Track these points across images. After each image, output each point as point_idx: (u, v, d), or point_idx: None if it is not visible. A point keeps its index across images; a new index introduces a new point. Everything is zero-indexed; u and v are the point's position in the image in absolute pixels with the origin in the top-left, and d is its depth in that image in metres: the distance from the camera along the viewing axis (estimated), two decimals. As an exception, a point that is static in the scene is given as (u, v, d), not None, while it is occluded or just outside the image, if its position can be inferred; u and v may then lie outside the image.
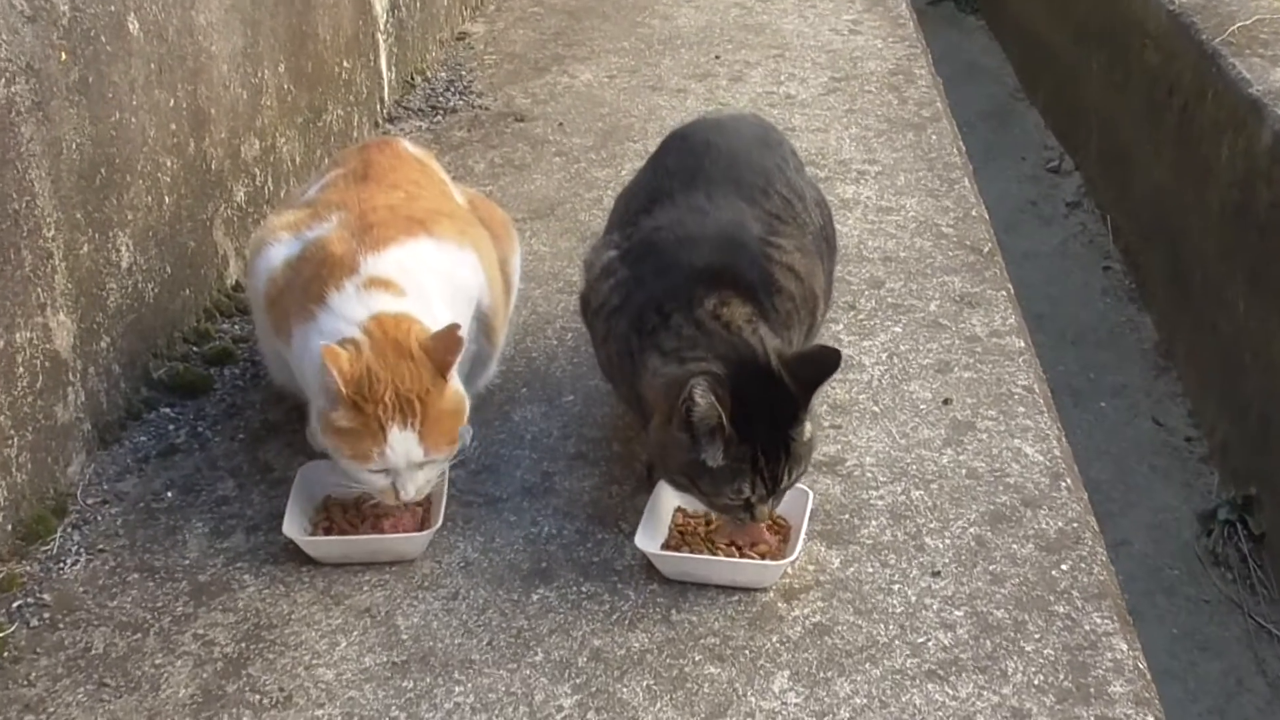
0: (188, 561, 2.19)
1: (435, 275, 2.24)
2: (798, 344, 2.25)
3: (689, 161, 2.34)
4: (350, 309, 2.12)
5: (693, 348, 2.06)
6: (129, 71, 2.52)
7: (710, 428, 1.97)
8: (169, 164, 2.68)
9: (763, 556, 2.12)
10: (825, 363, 1.99)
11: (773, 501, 2.05)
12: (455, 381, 2.10)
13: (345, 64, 3.55)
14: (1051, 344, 4.23)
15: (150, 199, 2.61)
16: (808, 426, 2.02)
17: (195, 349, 2.74)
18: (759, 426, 1.98)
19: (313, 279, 2.19)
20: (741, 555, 2.11)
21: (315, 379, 2.09)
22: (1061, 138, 5.60)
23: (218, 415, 2.57)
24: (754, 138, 2.47)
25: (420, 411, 2.04)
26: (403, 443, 2.04)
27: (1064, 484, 2.30)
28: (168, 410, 2.58)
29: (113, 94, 2.47)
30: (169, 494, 2.35)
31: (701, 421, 1.96)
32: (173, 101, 2.68)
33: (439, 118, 3.86)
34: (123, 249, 2.52)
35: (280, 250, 2.30)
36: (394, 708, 1.91)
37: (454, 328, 2.05)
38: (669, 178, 2.33)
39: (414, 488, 2.09)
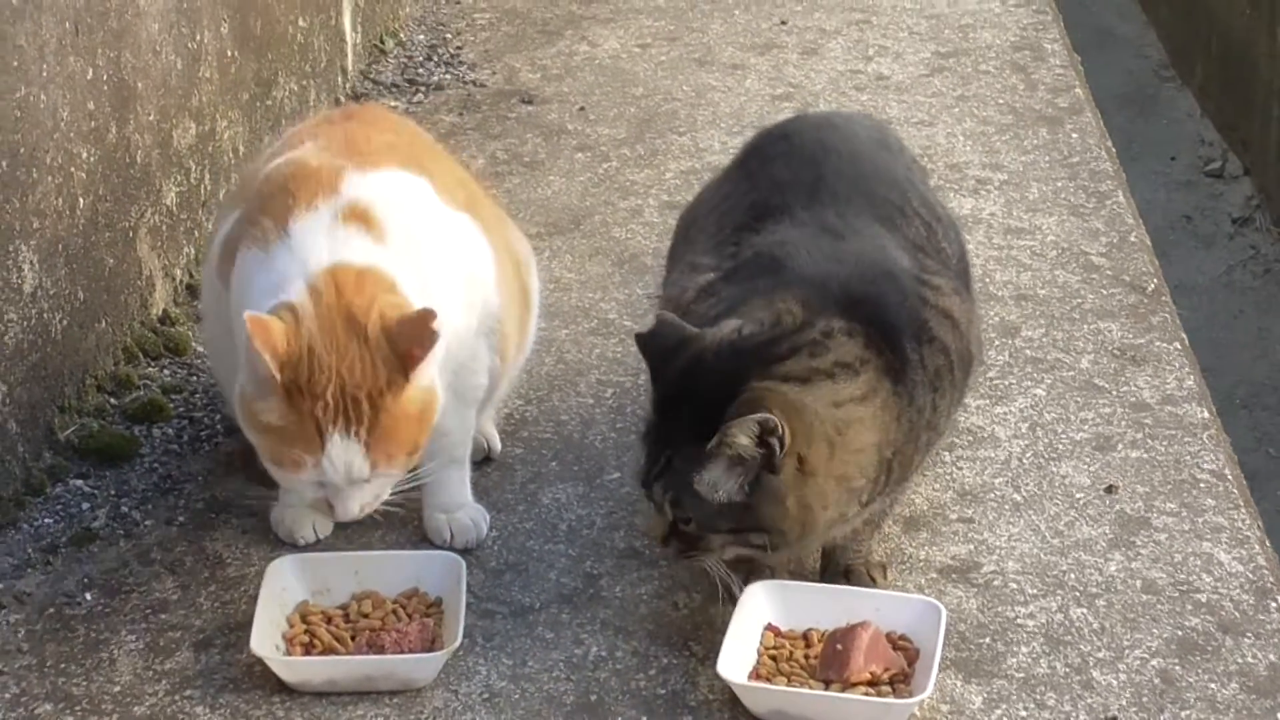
0: (117, 688, 2.23)
1: (432, 228, 2.29)
2: (946, 413, 2.31)
3: (802, 170, 2.42)
4: (313, 245, 2.16)
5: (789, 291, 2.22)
6: (39, 32, 2.59)
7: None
8: (84, 155, 2.74)
9: (877, 689, 2.17)
10: (748, 407, 2.09)
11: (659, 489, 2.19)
12: (426, 377, 2.14)
13: (301, 22, 3.63)
14: (1216, 408, 4.29)
15: (60, 201, 2.68)
16: (712, 475, 2.12)
17: (113, 401, 2.80)
18: (675, 410, 2.16)
19: (276, 194, 2.23)
20: (851, 688, 2.17)
21: (244, 333, 2.10)
22: (1225, 130, 5.67)
23: (147, 490, 2.62)
24: (872, 140, 2.55)
25: (370, 417, 2.08)
26: (344, 453, 2.10)
27: (1273, 604, 2.36)
28: (79, 483, 2.63)
29: (17, 61, 2.53)
30: (86, 595, 2.40)
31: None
32: (91, 72, 2.75)
33: (419, 95, 3.93)
34: (25, 267, 2.58)
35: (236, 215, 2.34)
36: None
37: (428, 314, 2.09)
38: (779, 190, 2.41)
39: (356, 506, 2.16)
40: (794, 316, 2.19)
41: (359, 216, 2.19)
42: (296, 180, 2.24)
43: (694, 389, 2.14)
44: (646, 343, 2.21)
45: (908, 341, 2.22)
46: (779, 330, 2.17)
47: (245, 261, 2.22)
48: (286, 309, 2.11)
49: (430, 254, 2.27)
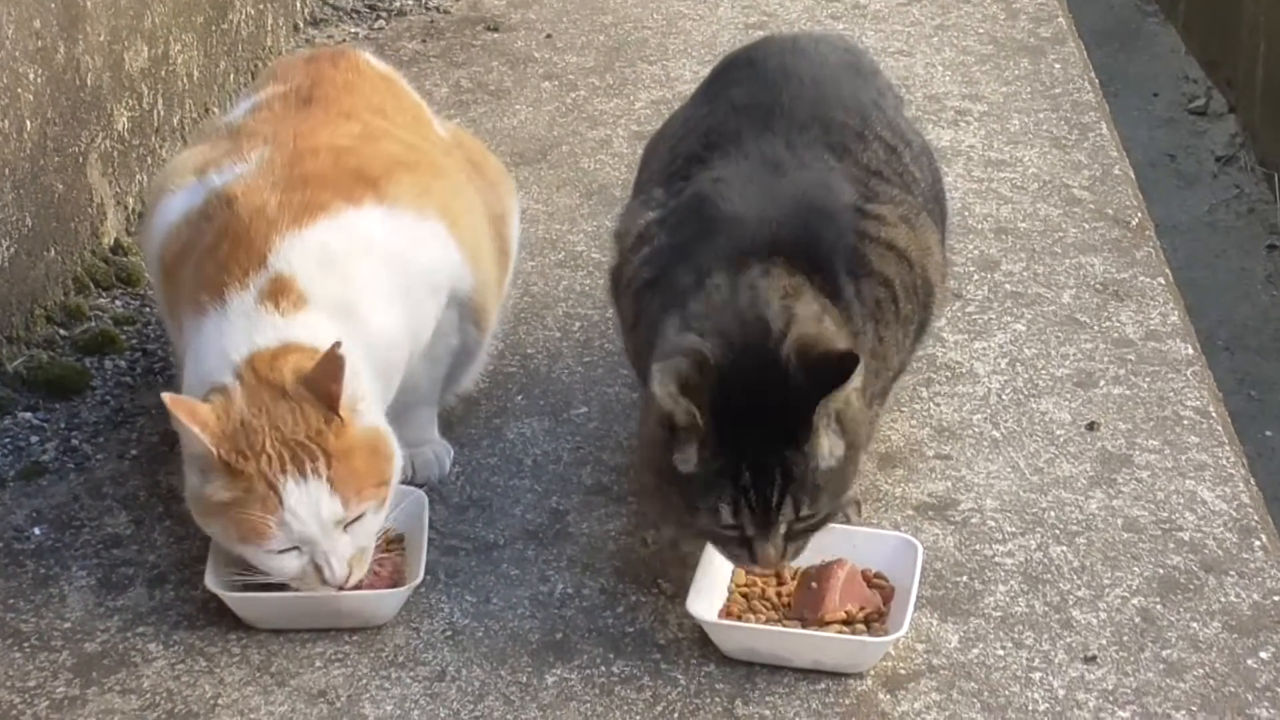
0: (68, 624, 2.22)
1: (378, 264, 2.28)
2: (894, 345, 2.30)
3: (761, 94, 2.40)
4: (239, 330, 2.17)
5: (707, 318, 2.12)
6: (-18, -55, 2.56)
7: (686, 424, 2.04)
8: (31, 76, 2.70)
9: (852, 628, 2.16)
10: (840, 366, 2.03)
11: (780, 543, 2.09)
12: (367, 418, 2.14)
13: (258, -57, 3.59)
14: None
15: (7, 124, 2.64)
16: (824, 444, 2.06)
17: (63, 332, 2.77)
18: (750, 433, 2.04)
19: (212, 253, 2.23)
20: (826, 627, 2.15)
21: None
22: (1210, 67, 5.66)
23: (99, 423, 2.59)
24: (842, 64, 2.53)
25: (322, 453, 2.07)
26: (307, 498, 2.06)
27: (1257, 542, 2.36)
28: (28, 415, 2.61)
29: (-41, -24, 2.50)
30: (36, 530, 2.38)
31: (679, 415, 2.03)
32: (38, -11, 2.72)
33: (380, 21, 3.90)
34: (-30, 192, 2.55)
35: (182, 200, 2.34)
36: (364, 827, 1.94)
37: (333, 349, 2.08)
38: (734, 116, 2.38)
39: (342, 561, 2.10)
40: (720, 289, 2.14)
41: (278, 293, 2.18)
42: (232, 242, 2.22)
43: (743, 405, 2.04)
44: (689, 387, 2.04)
45: (842, 276, 2.20)
46: (738, 299, 2.12)
47: (192, 330, 2.23)
48: (218, 391, 2.12)
49: (372, 290, 2.26)
